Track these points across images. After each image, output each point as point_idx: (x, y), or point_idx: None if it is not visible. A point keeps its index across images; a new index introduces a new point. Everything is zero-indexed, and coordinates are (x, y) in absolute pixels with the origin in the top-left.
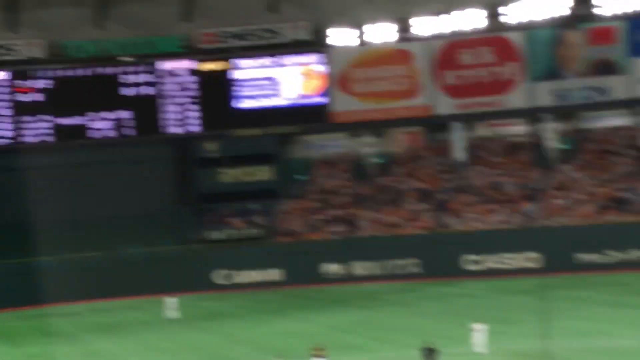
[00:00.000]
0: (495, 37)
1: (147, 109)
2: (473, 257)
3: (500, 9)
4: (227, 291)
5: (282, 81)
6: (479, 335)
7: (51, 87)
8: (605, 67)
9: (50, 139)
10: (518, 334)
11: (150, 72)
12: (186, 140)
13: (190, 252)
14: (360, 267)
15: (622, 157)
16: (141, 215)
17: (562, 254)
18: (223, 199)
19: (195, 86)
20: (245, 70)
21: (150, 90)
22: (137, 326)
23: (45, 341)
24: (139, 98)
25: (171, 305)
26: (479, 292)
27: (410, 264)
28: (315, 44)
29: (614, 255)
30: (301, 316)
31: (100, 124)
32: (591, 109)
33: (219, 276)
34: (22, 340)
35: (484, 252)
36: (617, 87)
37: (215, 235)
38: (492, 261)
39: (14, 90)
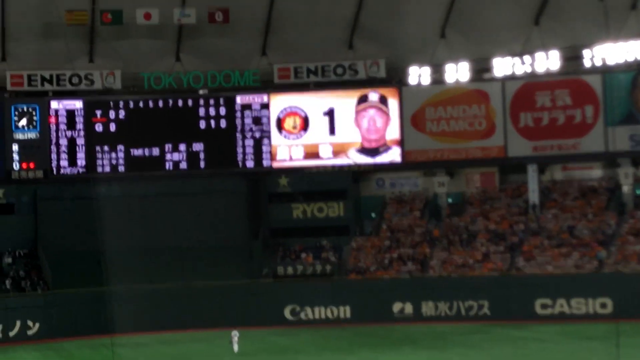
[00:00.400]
0: (572, 79)
1: (221, 141)
2: (544, 300)
3: (579, 52)
4: (296, 327)
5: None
6: None
7: (125, 117)
8: None
9: (123, 169)
10: None
11: (226, 105)
12: (259, 175)
13: (260, 286)
14: (429, 307)
15: None
16: (213, 247)
17: (635, 301)
18: (294, 234)
19: (268, 121)
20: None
21: (224, 123)
22: (205, 359)
23: None
24: (213, 131)
25: (235, 338)
26: (550, 337)
27: (480, 306)
28: (390, 82)
29: None
30: (369, 355)
31: (174, 155)
32: None
33: (288, 311)
34: None
35: (555, 296)
36: None
37: (286, 270)
38: (563, 305)
39: (89, 120)
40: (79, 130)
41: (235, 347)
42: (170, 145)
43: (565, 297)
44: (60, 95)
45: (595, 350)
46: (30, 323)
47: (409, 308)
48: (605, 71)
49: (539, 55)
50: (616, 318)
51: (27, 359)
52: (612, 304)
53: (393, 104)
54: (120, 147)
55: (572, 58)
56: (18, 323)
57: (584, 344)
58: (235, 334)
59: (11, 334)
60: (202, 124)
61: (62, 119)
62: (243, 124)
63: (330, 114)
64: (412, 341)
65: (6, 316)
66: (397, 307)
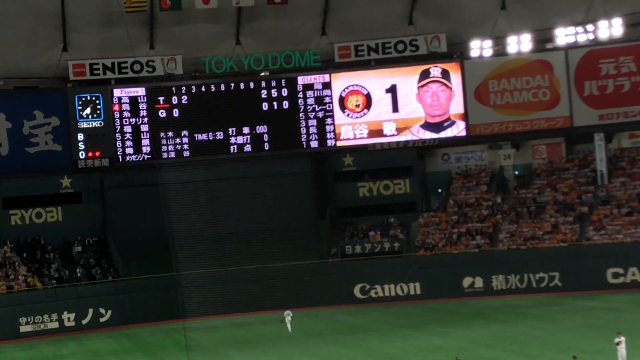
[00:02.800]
0: (636, 45)
1: (284, 123)
2: (616, 269)
3: None
4: (366, 305)
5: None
6: (623, 349)
7: (188, 102)
8: None
9: (187, 154)
10: None
11: (287, 86)
12: (324, 154)
13: (329, 266)
14: (500, 281)
15: None
16: (280, 229)
17: None
18: (361, 213)
19: (331, 100)
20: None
21: (287, 105)
22: (277, 340)
23: (185, 355)
24: (276, 112)
25: (288, 318)
26: (623, 306)
27: (551, 277)
28: (451, 56)
29: None
30: (441, 330)
31: (238, 138)
32: None
33: (357, 290)
34: (164, 354)
35: (627, 264)
36: None
37: (354, 249)
38: (635, 274)
39: (152, 106)
40: (143, 117)
41: (289, 327)
42: (234, 129)
43: (637, 266)
44: (123, 83)
45: None
46: (102, 310)
47: (479, 282)
48: None
49: (602, 23)
50: None
51: (101, 346)
52: None
53: (455, 78)
54: (184, 132)
55: (635, 24)
56: (90, 311)
57: None
58: (288, 314)
59: (84, 321)
60: (265, 106)
61: (126, 106)
62: (305, 104)
63: (392, 90)
64: (483, 315)
65: (78, 304)
66: (467, 281)
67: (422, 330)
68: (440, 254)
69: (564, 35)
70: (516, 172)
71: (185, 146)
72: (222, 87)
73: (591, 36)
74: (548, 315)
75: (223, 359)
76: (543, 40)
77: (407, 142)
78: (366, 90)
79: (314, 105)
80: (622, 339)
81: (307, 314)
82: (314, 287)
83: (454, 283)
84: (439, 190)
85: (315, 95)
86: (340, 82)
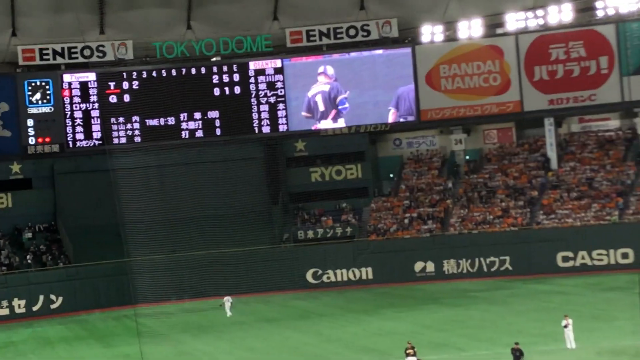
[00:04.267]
0: (586, 30)
1: (236, 108)
2: (565, 253)
3: (592, 3)
4: (318, 290)
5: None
6: (570, 331)
7: (139, 88)
8: None
9: (139, 139)
10: (612, 331)
11: (239, 72)
12: (276, 140)
13: (281, 251)
14: (451, 265)
15: None
16: (232, 215)
17: None
18: (313, 198)
19: (283, 85)
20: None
21: (239, 90)
22: (229, 326)
23: (137, 341)
24: (228, 97)
25: (228, 304)
26: (572, 289)
27: (501, 261)
28: (403, 41)
29: None
30: (393, 315)
31: (190, 124)
32: None
33: (310, 275)
34: (115, 341)
35: (576, 248)
36: None
37: (306, 234)
38: (585, 257)
39: (103, 91)
40: (93, 102)
41: (229, 312)
42: (185, 114)
43: (587, 249)
44: (73, 68)
45: (618, 301)
46: (53, 297)
47: (430, 267)
48: (618, 21)
49: (552, 8)
50: (638, 268)
51: (52, 333)
52: (633, 254)
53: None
54: (135, 117)
55: (584, 9)
56: (41, 297)
57: (606, 294)
58: (227, 299)
59: (35, 308)
60: (217, 91)
61: (76, 91)
62: (257, 89)
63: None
64: (435, 300)
65: (29, 291)
66: (418, 266)
67: (374, 315)
68: (392, 239)
69: (514, 21)
70: (467, 157)
71: (137, 132)
72: (174, 73)
73: (541, 21)
74: (499, 299)
75: (175, 345)
76: (494, 25)
77: (358, 127)
78: (318, 74)
79: (265, 91)
80: (570, 321)
81: (259, 299)
82: (267, 273)
83: (405, 268)
84: (391, 175)
85: (267, 80)
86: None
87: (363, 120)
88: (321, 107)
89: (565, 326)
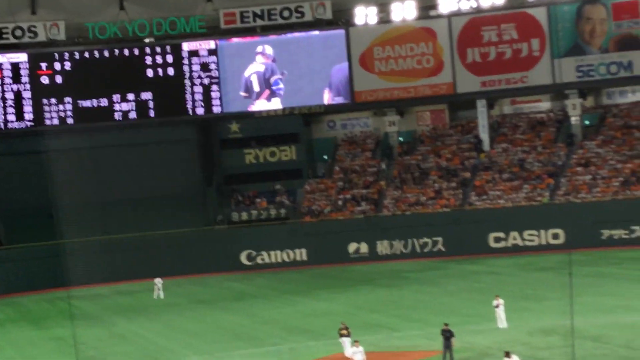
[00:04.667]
0: (518, 13)
1: (169, 89)
2: (497, 234)
3: None
4: (252, 271)
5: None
6: (501, 311)
7: (72, 69)
8: (630, 42)
9: (71, 121)
10: (542, 310)
11: (173, 53)
12: (210, 121)
13: (215, 233)
14: (384, 246)
15: None
16: (166, 197)
17: (587, 230)
18: (248, 180)
19: (217, 66)
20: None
21: (172, 71)
22: (163, 308)
23: (70, 324)
24: (161, 79)
25: (159, 285)
26: (504, 270)
27: (434, 242)
28: (337, 23)
29: (639, 231)
30: (326, 296)
31: (123, 105)
32: (615, 84)
33: (244, 257)
34: (48, 323)
35: (508, 229)
36: None
37: (240, 216)
38: (516, 238)
39: (34, 72)
40: (25, 83)
41: (161, 294)
42: (118, 96)
43: (518, 230)
44: (4, 48)
45: (549, 281)
46: None
47: (364, 248)
48: (550, 3)
49: None
50: (568, 248)
51: None
52: (564, 235)
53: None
54: (68, 99)
55: None
56: None
57: (537, 275)
58: (158, 281)
59: None
60: (150, 73)
61: (7, 72)
62: (191, 71)
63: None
64: (368, 280)
65: None
66: (352, 247)
67: (308, 296)
68: (326, 220)
69: (447, 3)
70: (400, 139)
71: (69, 113)
72: (106, 54)
73: (474, 4)
74: (431, 280)
75: (109, 327)
76: (427, 7)
77: (292, 108)
78: (254, 55)
79: (199, 72)
80: (501, 301)
81: (193, 281)
82: (201, 254)
83: (339, 249)
84: (325, 157)
85: (201, 62)
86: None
87: (298, 102)
88: (256, 88)
89: (497, 306)
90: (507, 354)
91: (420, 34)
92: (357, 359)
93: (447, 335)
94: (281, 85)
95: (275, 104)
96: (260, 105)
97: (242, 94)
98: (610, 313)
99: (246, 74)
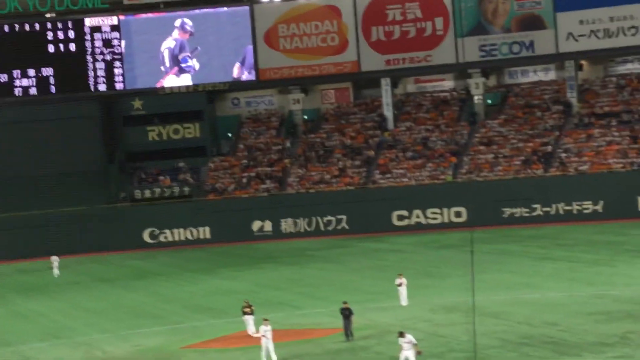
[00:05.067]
0: None
1: (71, 65)
2: (401, 212)
3: None
4: (156, 249)
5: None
6: (404, 289)
7: None
8: (532, 22)
9: None
10: (445, 288)
11: (74, 28)
12: (112, 98)
13: (118, 210)
14: (288, 224)
15: (547, 111)
16: (68, 174)
17: (489, 208)
18: (151, 157)
19: (120, 43)
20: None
21: (74, 47)
22: (64, 286)
23: None
24: (62, 55)
25: (55, 263)
26: (407, 247)
27: (338, 220)
28: (242, 0)
29: (540, 209)
30: (230, 274)
31: (23, 81)
32: (517, 64)
33: (147, 235)
34: None
35: (411, 207)
36: (543, 42)
37: (143, 193)
38: (419, 216)
39: None
40: None
41: (56, 272)
42: (18, 71)
43: (421, 208)
44: None
45: (451, 259)
46: None
47: (268, 226)
48: None
49: None
50: (470, 226)
51: None
52: (466, 213)
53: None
54: None
55: None
56: None
57: (440, 252)
58: (55, 259)
59: None
60: (51, 48)
61: None
62: (93, 46)
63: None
64: (272, 258)
65: None
66: (256, 225)
67: (212, 274)
68: (230, 198)
69: None
70: (305, 117)
71: None
72: (6, 29)
73: None
74: (335, 258)
75: (8, 306)
76: None
77: (196, 85)
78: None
79: (102, 48)
80: (404, 280)
81: (95, 259)
82: (103, 232)
83: (243, 227)
84: (229, 135)
85: (104, 37)
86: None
87: (202, 79)
88: (167, 63)
89: (399, 285)
90: (401, 334)
91: (325, 11)
92: (267, 337)
93: (347, 313)
94: (190, 63)
95: (185, 81)
96: (170, 81)
97: (162, 68)
98: (511, 290)
99: (162, 48)
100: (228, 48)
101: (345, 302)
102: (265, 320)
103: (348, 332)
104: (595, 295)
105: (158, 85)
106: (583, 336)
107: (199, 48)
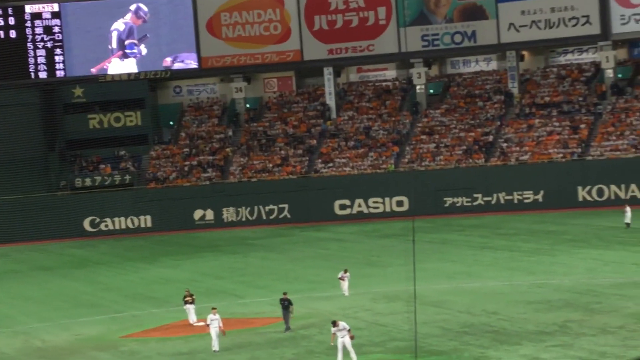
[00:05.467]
0: None
1: (11, 52)
2: (343, 201)
3: None
4: (96, 238)
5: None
6: (345, 284)
7: None
8: (473, 13)
9: None
10: (386, 277)
11: (15, 15)
12: (53, 85)
13: (57, 199)
14: (230, 213)
15: (488, 101)
16: (7, 161)
17: (430, 198)
18: (92, 145)
19: (60, 30)
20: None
21: (14, 34)
22: (4, 275)
23: None
24: (2, 41)
25: None
26: (349, 236)
27: (280, 209)
28: None
29: (481, 198)
30: (171, 262)
31: None
32: (459, 54)
33: (87, 223)
34: None
35: (353, 196)
36: (485, 32)
37: (84, 181)
38: (361, 205)
39: None
40: None
41: None
42: None
43: (363, 197)
44: None
45: (393, 248)
46: None
47: (210, 215)
48: None
49: None
50: (412, 215)
51: None
52: (408, 202)
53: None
54: None
55: None
56: None
57: (381, 241)
58: None
59: None
60: None
61: None
62: (34, 34)
63: None
64: (214, 247)
65: None
66: (198, 214)
67: (153, 263)
68: (172, 187)
69: None
70: (247, 105)
71: None
72: None
73: None
74: (277, 247)
75: None
76: None
77: (138, 73)
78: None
79: (42, 35)
80: (347, 275)
81: (35, 248)
82: (42, 221)
83: (185, 216)
84: (171, 123)
85: (44, 24)
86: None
87: (145, 67)
88: (114, 44)
89: (341, 279)
90: (335, 323)
91: (267, 0)
92: (214, 326)
93: (286, 304)
94: (135, 50)
95: (128, 67)
96: (113, 67)
97: (109, 47)
98: (451, 279)
99: (111, 28)
100: (169, 35)
101: (285, 293)
102: (214, 309)
103: (287, 323)
104: (535, 284)
105: (99, 67)
106: (523, 325)
107: (148, 35)
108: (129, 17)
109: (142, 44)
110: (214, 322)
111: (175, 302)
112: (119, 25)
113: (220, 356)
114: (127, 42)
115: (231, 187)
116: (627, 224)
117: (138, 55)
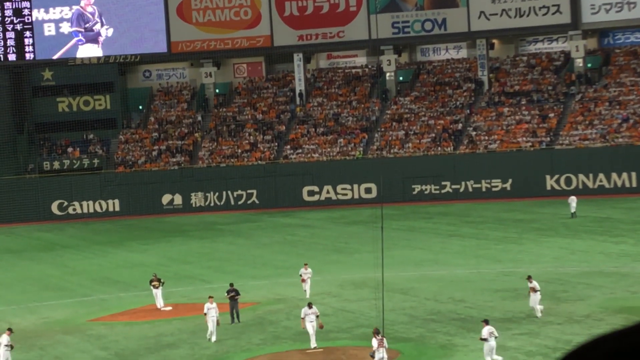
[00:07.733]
0: None
1: None
2: (311, 187)
3: None
4: (64, 222)
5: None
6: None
7: None
8: (444, 0)
9: None
10: (354, 263)
11: None
12: (22, 68)
13: (25, 182)
14: (199, 198)
15: (458, 89)
16: None
17: (398, 185)
18: (60, 129)
19: (30, 12)
20: None
21: None
22: None
23: None
24: None
25: None
26: (317, 223)
27: (248, 195)
28: None
29: (449, 186)
30: (139, 247)
31: None
32: (429, 41)
33: (55, 206)
34: None
35: (322, 182)
36: (455, 20)
37: (52, 165)
38: (330, 192)
39: None
40: None
41: None
42: None
43: (332, 184)
44: None
45: (361, 234)
46: None
47: (178, 199)
48: None
49: None
50: (380, 202)
51: None
52: (376, 189)
53: None
54: None
55: None
56: None
57: (349, 228)
58: None
59: None
60: None
61: None
62: (3, 16)
63: None
64: (182, 232)
65: None
66: (166, 198)
67: (120, 247)
68: (140, 171)
69: None
70: (217, 90)
71: None
72: None
73: None
74: (245, 232)
75: None
76: None
77: (108, 57)
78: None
79: (12, 17)
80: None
81: (2, 231)
82: (10, 204)
83: (153, 200)
84: (140, 107)
85: (14, 7)
86: None
87: (114, 51)
88: (75, 27)
89: (303, 280)
90: (310, 305)
91: None
92: (211, 315)
93: (233, 294)
94: (104, 36)
95: (96, 51)
96: (82, 51)
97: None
98: (419, 266)
99: (71, 15)
100: (137, 19)
101: (231, 284)
102: (210, 298)
103: (233, 314)
104: (502, 272)
105: (66, 51)
106: (490, 313)
107: (103, 20)
108: (83, 2)
109: (103, 27)
110: (211, 311)
111: (142, 287)
112: (71, 11)
113: (186, 342)
114: (72, 29)
115: (200, 172)
116: (573, 214)
117: (101, 38)
